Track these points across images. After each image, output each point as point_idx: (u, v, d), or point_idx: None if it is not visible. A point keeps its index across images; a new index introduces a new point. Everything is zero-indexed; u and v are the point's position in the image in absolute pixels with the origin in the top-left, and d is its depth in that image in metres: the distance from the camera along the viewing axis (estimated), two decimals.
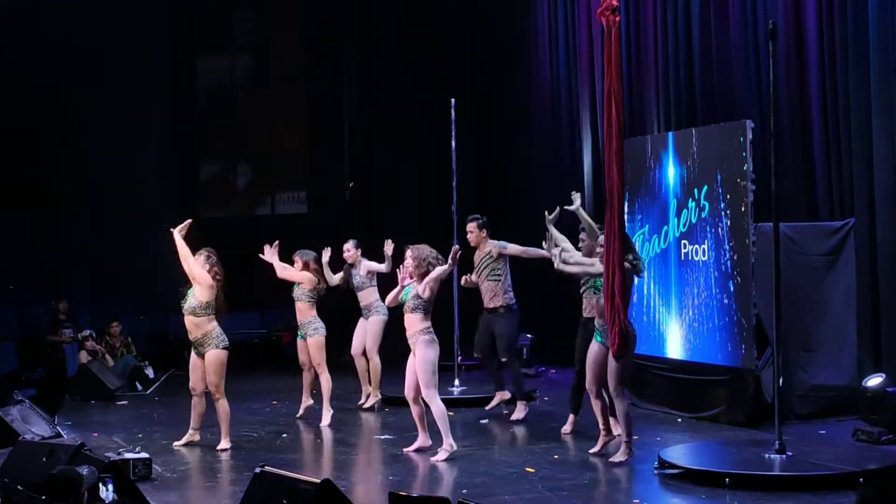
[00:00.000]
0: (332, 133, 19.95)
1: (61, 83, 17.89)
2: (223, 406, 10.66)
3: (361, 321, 12.88)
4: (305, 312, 12.14)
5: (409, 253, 10.06)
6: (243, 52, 20.55)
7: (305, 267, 12.17)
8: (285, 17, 20.08)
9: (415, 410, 10.18)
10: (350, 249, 12.91)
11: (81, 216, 18.22)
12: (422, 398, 10.05)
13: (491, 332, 11.91)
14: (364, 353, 12.77)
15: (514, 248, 11.85)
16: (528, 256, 11.80)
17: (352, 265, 12.88)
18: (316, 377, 12.23)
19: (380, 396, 12.77)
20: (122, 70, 18.24)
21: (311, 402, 12.43)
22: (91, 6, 17.59)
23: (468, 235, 11.98)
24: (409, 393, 10.13)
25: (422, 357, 9.92)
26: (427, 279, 9.87)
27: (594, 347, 9.73)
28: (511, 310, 11.86)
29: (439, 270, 9.87)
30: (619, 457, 9.61)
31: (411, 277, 10.02)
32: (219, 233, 19.30)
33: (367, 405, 12.79)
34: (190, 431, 10.89)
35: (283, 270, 12.11)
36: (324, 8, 19.37)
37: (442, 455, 9.90)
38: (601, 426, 10.05)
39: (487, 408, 12.32)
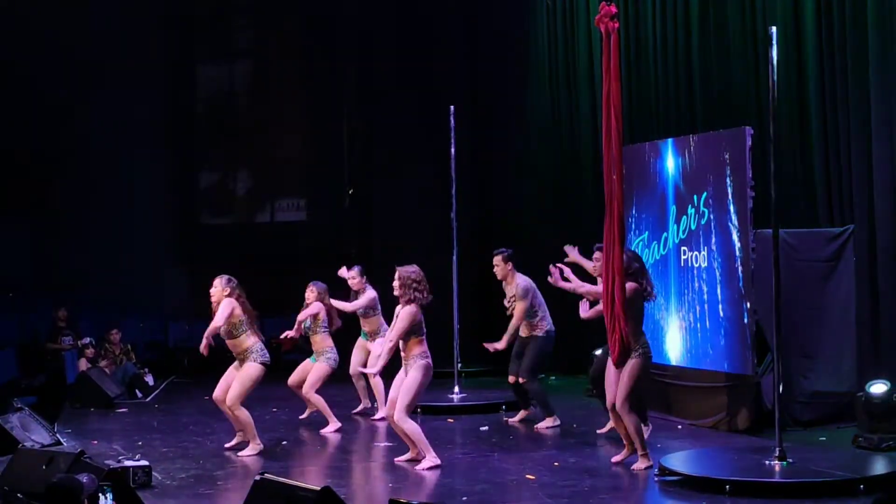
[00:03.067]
0: (331, 140, 19.97)
1: (61, 90, 17.91)
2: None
3: (360, 340, 12.86)
4: (322, 343, 12.16)
5: (396, 275, 10.01)
6: (242, 59, 20.55)
7: (320, 299, 12.13)
8: (283, 24, 20.10)
9: (398, 429, 10.12)
10: (355, 277, 12.74)
11: (81, 223, 18.22)
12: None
13: (523, 354, 11.93)
14: (362, 374, 12.72)
15: (519, 309, 11.81)
16: (517, 320, 11.85)
17: (357, 292, 12.78)
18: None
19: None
20: (122, 77, 18.26)
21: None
22: (89, 14, 17.60)
23: (495, 269, 12.07)
24: (389, 411, 10.11)
25: (413, 379, 9.84)
26: (398, 325, 9.86)
27: (612, 367, 9.64)
28: (548, 336, 11.91)
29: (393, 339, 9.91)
30: (638, 465, 9.59)
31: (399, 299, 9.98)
32: (218, 240, 19.43)
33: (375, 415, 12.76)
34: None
35: (302, 316, 12.16)
36: (322, 15, 19.38)
37: (426, 464, 9.88)
38: (624, 439, 9.90)
39: (511, 420, 12.34)
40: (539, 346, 11.85)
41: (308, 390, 12.08)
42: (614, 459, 9.87)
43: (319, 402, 12.10)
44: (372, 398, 12.80)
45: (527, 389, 11.97)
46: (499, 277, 12.06)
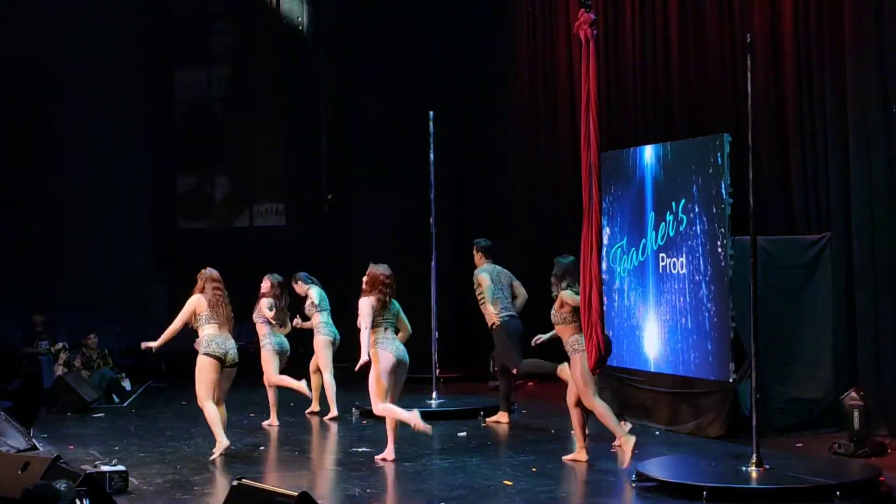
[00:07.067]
0: (310, 145, 19.94)
1: (38, 96, 17.86)
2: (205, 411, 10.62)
3: None
4: (260, 332, 12.50)
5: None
6: (221, 64, 20.52)
7: (269, 288, 12.39)
8: (262, 29, 20.07)
9: (387, 420, 10.35)
10: (296, 282, 13.04)
11: (58, 228, 18.17)
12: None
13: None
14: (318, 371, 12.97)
15: (483, 282, 12.19)
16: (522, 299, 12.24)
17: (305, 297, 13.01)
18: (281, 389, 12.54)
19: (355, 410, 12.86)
20: (99, 83, 18.22)
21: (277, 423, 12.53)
22: (67, 20, 17.55)
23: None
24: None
25: (371, 373, 10.12)
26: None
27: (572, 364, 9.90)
28: (502, 324, 12.09)
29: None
30: (573, 456, 9.99)
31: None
32: (196, 245, 19.39)
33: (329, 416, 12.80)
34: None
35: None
36: (300, 21, 19.36)
37: (382, 455, 10.23)
38: (578, 440, 10.10)
39: (487, 420, 12.46)
40: (504, 331, 12.06)
41: (267, 380, 12.40)
42: (565, 458, 10.10)
43: (273, 395, 12.43)
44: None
45: (524, 373, 12.23)
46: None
